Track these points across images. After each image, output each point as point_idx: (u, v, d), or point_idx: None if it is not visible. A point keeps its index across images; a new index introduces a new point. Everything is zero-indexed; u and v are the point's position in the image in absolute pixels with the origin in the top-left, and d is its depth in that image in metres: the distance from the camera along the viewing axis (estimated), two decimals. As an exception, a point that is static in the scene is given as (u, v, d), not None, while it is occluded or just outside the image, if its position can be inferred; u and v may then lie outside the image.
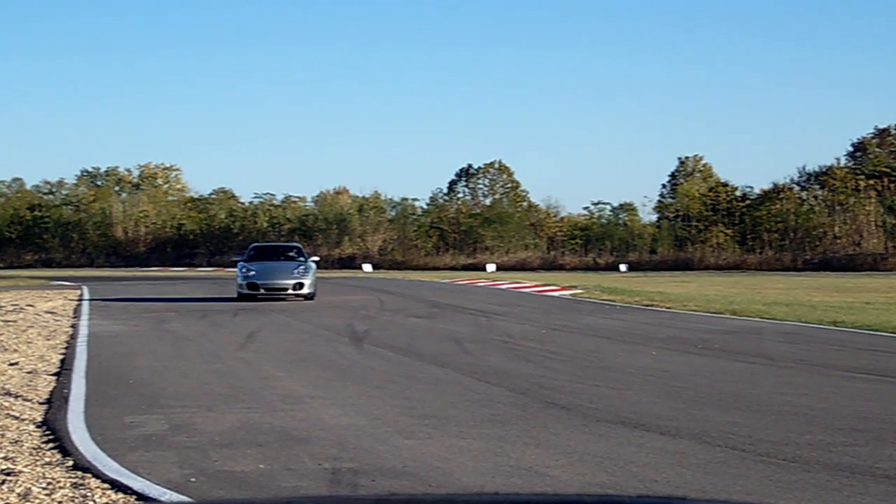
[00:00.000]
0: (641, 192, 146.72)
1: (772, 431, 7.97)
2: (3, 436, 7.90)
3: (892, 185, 62.68)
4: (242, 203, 77.99)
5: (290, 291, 24.51)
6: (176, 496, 6.10)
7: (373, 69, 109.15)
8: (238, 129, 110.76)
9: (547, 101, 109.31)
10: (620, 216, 72.92)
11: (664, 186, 75.90)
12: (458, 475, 6.64)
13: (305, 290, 24.57)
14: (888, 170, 64.54)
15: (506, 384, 10.67)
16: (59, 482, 6.45)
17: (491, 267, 59.74)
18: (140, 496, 6.13)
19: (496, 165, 76.44)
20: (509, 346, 14.62)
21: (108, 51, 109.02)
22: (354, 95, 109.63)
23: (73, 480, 6.51)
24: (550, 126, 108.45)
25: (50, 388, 10.47)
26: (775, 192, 66.19)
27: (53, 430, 8.13)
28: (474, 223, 70.01)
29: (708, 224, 65.91)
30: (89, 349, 14.26)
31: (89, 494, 6.17)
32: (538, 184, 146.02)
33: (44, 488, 6.31)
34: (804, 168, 68.11)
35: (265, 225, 73.51)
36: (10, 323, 18.59)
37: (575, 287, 32.43)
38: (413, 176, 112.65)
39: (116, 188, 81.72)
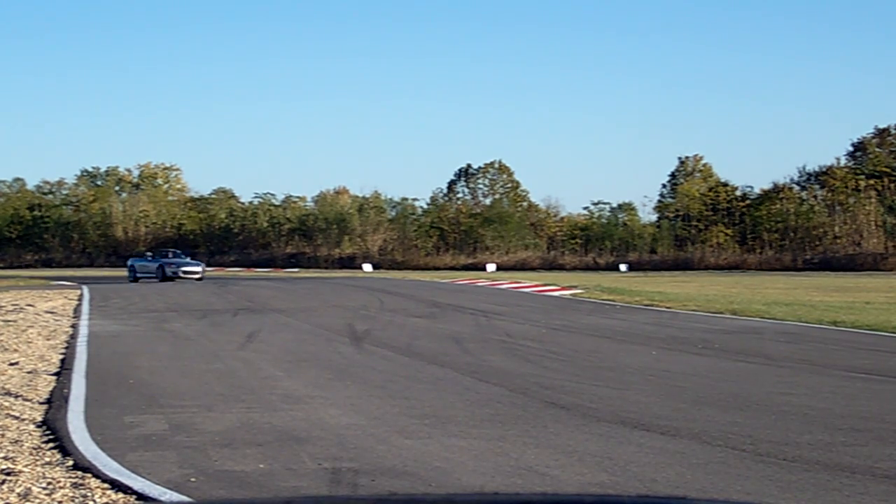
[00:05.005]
0: (641, 192, 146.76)
1: (772, 431, 7.96)
2: (3, 435, 7.90)
3: (892, 185, 62.67)
4: (242, 203, 78.08)
5: None
6: (176, 496, 6.09)
7: (373, 69, 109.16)
8: (238, 129, 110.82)
9: (547, 101, 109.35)
10: (620, 216, 72.97)
11: (664, 186, 75.94)
12: (458, 475, 6.64)
13: None
14: (888, 170, 64.53)
15: (506, 384, 10.66)
16: (59, 482, 6.44)
17: (491, 267, 59.74)
18: (140, 496, 6.12)
19: (496, 165, 76.46)
20: (509, 345, 14.61)
21: (108, 51, 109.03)
22: (354, 95, 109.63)
23: (73, 480, 6.50)
24: (550, 126, 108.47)
25: (50, 388, 10.47)
26: (775, 192, 66.21)
27: (53, 430, 8.12)
28: (474, 223, 70.04)
29: (708, 224, 65.92)
30: (89, 349, 14.26)
31: (89, 494, 6.16)
32: (538, 184, 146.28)
33: (44, 488, 6.30)
34: (804, 168, 68.22)
35: (265, 225, 73.52)
36: (11, 323, 18.58)
37: (575, 287, 32.43)
38: (413, 176, 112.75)
39: (116, 188, 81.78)
